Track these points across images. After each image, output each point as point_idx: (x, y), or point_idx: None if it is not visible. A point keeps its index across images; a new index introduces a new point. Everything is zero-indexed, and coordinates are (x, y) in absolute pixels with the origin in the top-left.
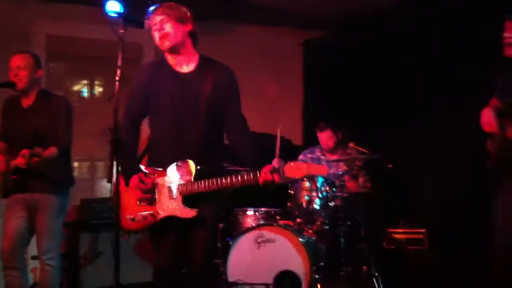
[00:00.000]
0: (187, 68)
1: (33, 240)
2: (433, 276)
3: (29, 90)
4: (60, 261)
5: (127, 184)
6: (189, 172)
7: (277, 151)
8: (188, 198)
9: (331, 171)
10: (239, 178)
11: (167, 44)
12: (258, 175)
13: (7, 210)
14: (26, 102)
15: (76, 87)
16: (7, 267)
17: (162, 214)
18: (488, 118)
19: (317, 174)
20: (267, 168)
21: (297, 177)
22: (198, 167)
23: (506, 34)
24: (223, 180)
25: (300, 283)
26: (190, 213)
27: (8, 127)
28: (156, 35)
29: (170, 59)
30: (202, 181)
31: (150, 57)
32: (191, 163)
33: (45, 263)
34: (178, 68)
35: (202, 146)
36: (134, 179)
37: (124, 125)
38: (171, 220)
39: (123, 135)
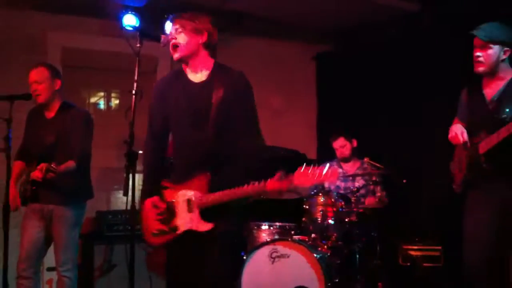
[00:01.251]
0: (200, 77)
1: (50, 250)
2: None
3: (51, 102)
4: (77, 272)
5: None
6: (203, 184)
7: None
8: (206, 212)
9: (348, 184)
10: (249, 187)
11: (176, 55)
12: (265, 182)
13: (24, 220)
14: (49, 113)
15: (92, 99)
16: (20, 276)
17: (182, 228)
18: (458, 130)
19: (327, 180)
20: (275, 177)
21: (307, 185)
22: (211, 179)
23: (477, 53)
24: (235, 191)
25: None
26: (207, 226)
27: (29, 137)
28: (170, 44)
29: (186, 68)
30: (216, 193)
31: (165, 70)
32: (205, 175)
33: (62, 274)
34: (191, 77)
35: (212, 155)
36: (147, 204)
37: (147, 142)
38: (187, 235)
39: (145, 153)
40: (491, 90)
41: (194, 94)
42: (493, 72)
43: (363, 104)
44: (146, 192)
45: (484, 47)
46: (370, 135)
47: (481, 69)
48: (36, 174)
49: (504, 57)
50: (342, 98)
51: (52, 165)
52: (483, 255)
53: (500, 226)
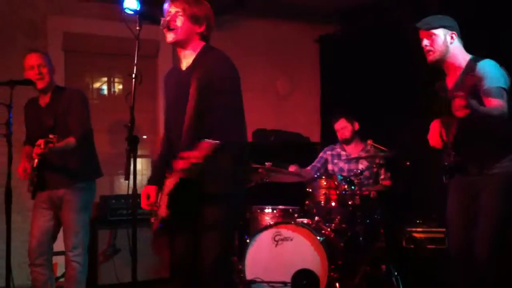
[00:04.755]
0: (187, 63)
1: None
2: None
3: (48, 89)
4: (88, 257)
5: None
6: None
7: None
8: (179, 199)
9: (352, 166)
10: None
11: (170, 38)
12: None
13: (34, 209)
14: (44, 101)
15: (95, 85)
16: (33, 264)
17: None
18: (432, 131)
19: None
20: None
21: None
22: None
23: (424, 43)
24: None
25: (318, 282)
26: (163, 211)
27: (29, 128)
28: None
29: (180, 54)
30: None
31: (167, 54)
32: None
33: (72, 259)
34: (182, 65)
35: (185, 144)
36: (143, 192)
37: (164, 132)
38: (182, 219)
39: (160, 143)
40: (453, 81)
41: (179, 84)
42: (444, 56)
43: (367, 87)
44: (148, 180)
45: (429, 35)
46: (374, 118)
47: (432, 57)
48: (35, 151)
49: (451, 40)
50: (346, 81)
51: (50, 136)
52: (457, 239)
53: (468, 210)
